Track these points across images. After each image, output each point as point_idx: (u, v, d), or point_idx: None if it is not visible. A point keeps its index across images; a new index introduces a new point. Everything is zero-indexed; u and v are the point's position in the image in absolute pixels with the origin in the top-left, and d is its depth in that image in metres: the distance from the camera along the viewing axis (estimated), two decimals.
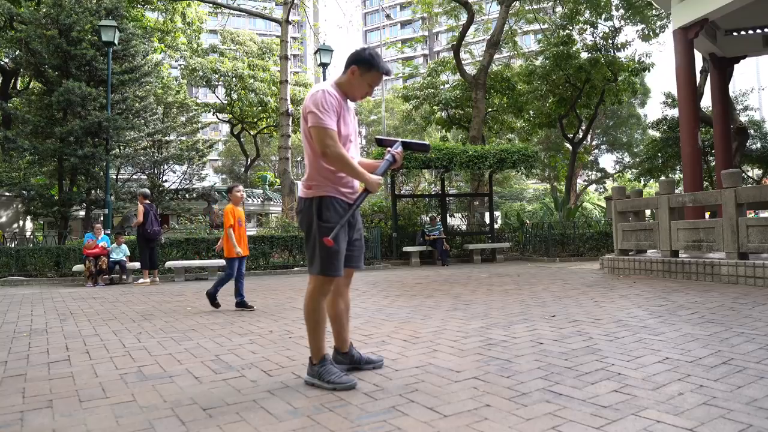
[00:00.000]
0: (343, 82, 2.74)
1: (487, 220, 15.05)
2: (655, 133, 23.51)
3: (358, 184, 2.80)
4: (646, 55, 18.84)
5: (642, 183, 25.58)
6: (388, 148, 2.87)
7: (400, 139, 2.93)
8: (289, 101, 17.97)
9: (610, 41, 18.82)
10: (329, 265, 2.65)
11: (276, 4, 23.42)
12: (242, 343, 3.85)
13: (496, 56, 20.80)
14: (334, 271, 2.67)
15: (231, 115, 27.48)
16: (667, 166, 20.81)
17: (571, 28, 19.57)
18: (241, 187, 5.99)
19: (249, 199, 22.52)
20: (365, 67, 2.70)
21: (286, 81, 17.87)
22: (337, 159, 2.58)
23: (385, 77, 2.79)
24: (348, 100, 2.78)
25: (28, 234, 16.73)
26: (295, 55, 38.46)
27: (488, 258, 13.44)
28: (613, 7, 19.45)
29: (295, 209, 2.86)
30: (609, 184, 36.41)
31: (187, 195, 18.32)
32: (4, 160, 14.69)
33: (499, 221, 20.39)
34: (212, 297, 5.77)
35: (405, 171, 14.43)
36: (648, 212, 10.26)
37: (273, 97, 24.65)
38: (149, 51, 17.07)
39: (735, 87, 20.82)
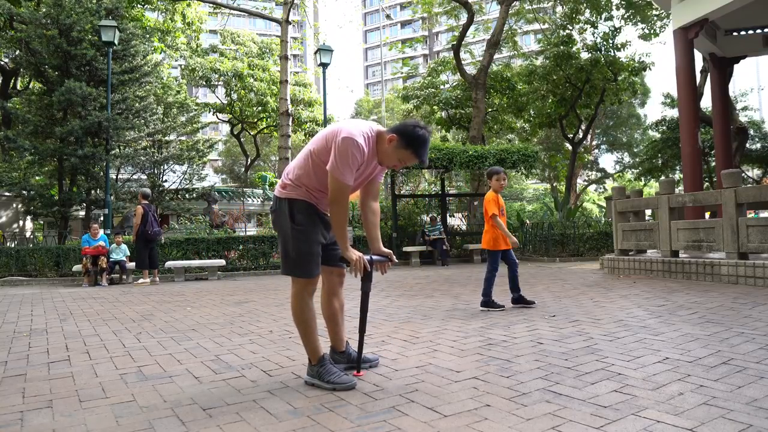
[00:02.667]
0: (382, 140, 2.59)
1: None
2: (655, 134, 23.53)
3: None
4: (646, 55, 18.86)
5: (642, 183, 25.58)
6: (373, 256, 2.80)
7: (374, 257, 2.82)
8: (289, 101, 17.97)
9: (610, 41, 18.82)
10: (302, 267, 2.62)
11: (276, 4, 23.40)
12: (242, 343, 3.85)
13: (496, 56, 20.80)
14: (307, 273, 2.62)
15: (231, 115, 27.46)
16: (667, 166, 20.83)
17: (571, 28, 19.57)
18: (503, 173, 5.16)
19: (249, 199, 22.52)
20: (404, 142, 2.53)
21: (286, 81, 17.86)
22: (338, 215, 2.51)
23: (416, 162, 2.60)
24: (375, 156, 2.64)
25: (28, 234, 16.73)
26: (295, 55, 38.46)
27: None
28: (613, 7, 19.46)
29: (270, 208, 2.82)
30: (609, 184, 36.40)
31: (187, 195, 18.31)
32: (4, 160, 14.69)
33: None
34: (489, 303, 5.10)
35: (405, 171, 14.43)
36: (648, 212, 10.26)
37: (273, 97, 24.64)
38: (149, 51, 17.06)
39: (735, 87, 20.82)
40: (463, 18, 20.31)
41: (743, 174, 18.40)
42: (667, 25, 19.16)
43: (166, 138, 18.89)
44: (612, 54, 18.73)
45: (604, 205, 25.20)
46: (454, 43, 19.15)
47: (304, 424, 2.18)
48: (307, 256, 2.61)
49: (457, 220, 17.50)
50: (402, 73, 30.75)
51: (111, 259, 9.88)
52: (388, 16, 68.13)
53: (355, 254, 2.59)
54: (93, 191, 14.22)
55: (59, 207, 13.45)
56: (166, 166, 18.18)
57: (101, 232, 10.19)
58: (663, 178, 14.49)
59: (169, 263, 10.39)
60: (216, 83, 25.61)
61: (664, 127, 20.81)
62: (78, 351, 3.77)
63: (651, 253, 8.68)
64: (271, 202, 2.82)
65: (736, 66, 13.70)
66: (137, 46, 15.05)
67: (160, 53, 21.46)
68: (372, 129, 2.59)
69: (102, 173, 13.34)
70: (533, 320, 4.39)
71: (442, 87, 23.37)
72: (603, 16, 19.39)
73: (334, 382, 2.61)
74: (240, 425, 2.19)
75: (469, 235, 14.46)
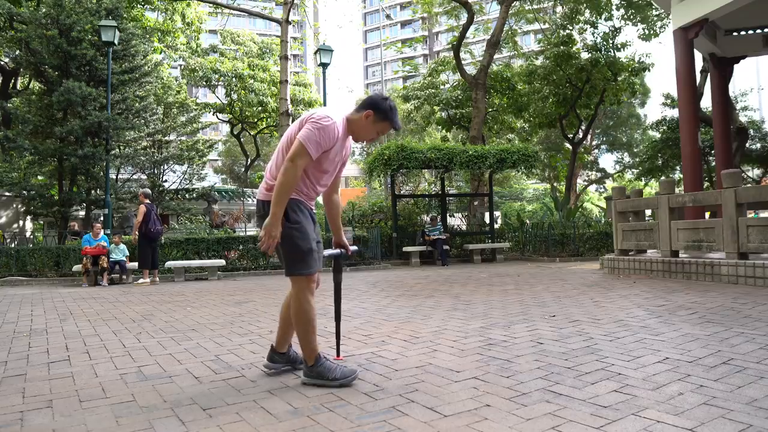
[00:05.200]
0: (354, 120, 2.73)
1: (487, 220, 15.05)
2: (655, 134, 23.54)
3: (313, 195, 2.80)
4: (646, 55, 18.87)
5: (642, 183, 25.58)
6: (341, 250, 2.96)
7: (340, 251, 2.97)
8: (289, 101, 17.95)
9: (610, 41, 18.83)
10: (303, 264, 2.64)
11: (276, 4, 23.40)
12: (242, 343, 3.85)
13: (496, 56, 20.81)
14: (309, 268, 2.65)
15: (231, 115, 27.46)
16: (667, 166, 20.83)
17: (571, 28, 19.57)
18: None
19: (249, 199, 22.53)
20: (381, 116, 2.70)
21: (286, 81, 17.85)
22: (288, 178, 2.50)
23: (391, 130, 2.79)
24: (349, 137, 2.79)
25: (28, 234, 16.73)
26: (295, 55, 38.45)
27: (488, 258, 13.44)
28: (613, 7, 19.46)
29: (256, 213, 2.86)
30: (609, 184, 36.41)
31: (187, 195, 18.31)
32: (4, 160, 14.68)
33: (499, 221, 20.38)
34: None
35: (405, 171, 14.43)
36: (648, 212, 10.26)
37: (273, 98, 24.64)
38: (149, 51, 17.06)
39: (735, 87, 20.82)
40: (463, 18, 20.32)
41: (743, 174, 18.40)
42: (667, 25, 19.16)
43: (166, 138, 18.90)
44: (612, 54, 18.73)
45: (604, 206, 25.22)
46: (454, 43, 19.16)
47: (304, 424, 2.18)
48: (308, 252, 2.64)
49: (457, 220, 17.50)
50: (404, 71, 30.77)
51: (111, 259, 9.88)
52: (388, 16, 68.14)
53: (274, 230, 2.53)
54: (93, 191, 14.23)
55: (59, 207, 13.45)
56: (166, 166, 18.20)
57: (102, 232, 10.20)
58: (663, 178, 14.50)
59: (169, 263, 10.39)
60: (216, 83, 25.61)
61: (664, 127, 20.81)
62: (78, 351, 3.77)
63: (651, 253, 8.68)
64: (255, 207, 2.83)
65: (736, 66, 13.70)
66: (137, 46, 15.05)
67: (160, 53, 21.47)
68: (342, 114, 2.73)
69: (102, 173, 13.34)
70: (533, 320, 4.39)
71: (442, 87, 23.38)
72: (603, 16, 19.39)
73: (338, 378, 2.65)
74: (240, 425, 2.19)
75: (469, 235, 14.46)
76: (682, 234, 7.67)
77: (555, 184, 32.94)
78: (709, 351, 3.16)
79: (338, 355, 3.14)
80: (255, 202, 2.91)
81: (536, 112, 20.92)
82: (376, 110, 2.69)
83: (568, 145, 24.85)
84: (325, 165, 2.68)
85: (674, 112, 20.36)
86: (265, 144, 35.47)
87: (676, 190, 8.17)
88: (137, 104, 15.35)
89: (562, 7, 20.57)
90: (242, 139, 30.46)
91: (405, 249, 12.70)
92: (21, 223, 17.90)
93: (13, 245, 12.81)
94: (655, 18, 19.27)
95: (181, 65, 26.58)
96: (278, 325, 2.96)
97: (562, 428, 2.04)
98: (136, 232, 9.62)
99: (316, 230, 2.78)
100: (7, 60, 17.30)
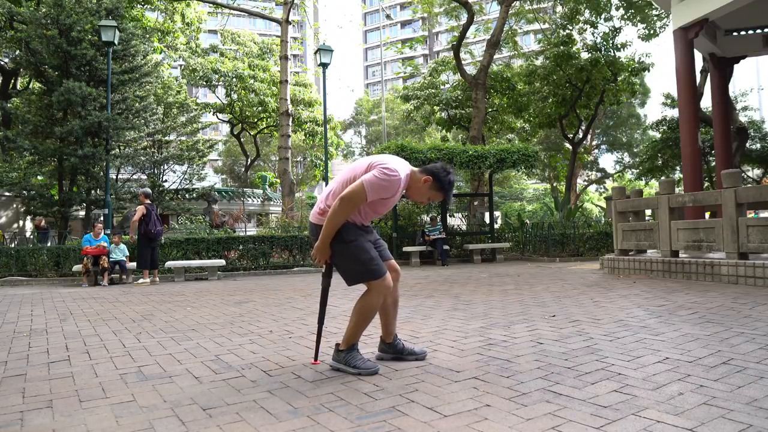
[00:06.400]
0: (415, 180, 2.88)
1: (487, 220, 15.05)
2: (655, 134, 23.54)
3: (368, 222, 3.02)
4: (646, 55, 18.87)
5: (642, 183, 25.57)
6: None
7: None
8: (289, 101, 17.97)
9: (610, 41, 18.83)
10: (372, 272, 2.83)
11: (276, 4, 23.42)
12: (242, 343, 3.84)
13: (496, 56, 20.81)
14: (378, 273, 2.84)
15: (231, 115, 27.47)
16: (667, 166, 20.83)
17: (571, 28, 19.58)
18: None
19: (249, 199, 22.53)
20: (437, 186, 2.87)
21: (287, 81, 17.87)
22: (340, 213, 2.74)
23: (441, 197, 2.95)
24: (404, 191, 2.95)
25: (28, 234, 16.73)
26: (295, 55, 38.44)
27: (488, 258, 13.43)
28: (613, 7, 19.47)
29: (309, 233, 3.10)
30: (609, 184, 36.42)
31: (187, 195, 18.31)
32: (4, 160, 14.69)
33: (499, 221, 20.40)
34: None
35: None
36: (648, 212, 10.26)
37: (273, 97, 24.66)
38: (149, 51, 17.06)
39: (735, 87, 20.84)
40: (463, 18, 20.32)
41: (743, 174, 18.41)
42: (667, 25, 19.16)
43: (166, 138, 18.91)
44: (612, 54, 18.74)
45: (604, 206, 25.23)
46: (455, 43, 19.16)
47: (304, 424, 2.18)
48: (370, 261, 2.84)
49: (457, 220, 17.49)
50: (405, 72, 30.79)
51: (111, 259, 9.88)
52: (388, 16, 68.08)
53: (323, 253, 2.86)
54: (93, 191, 14.23)
55: (59, 207, 13.45)
56: (166, 166, 18.20)
57: (103, 232, 10.20)
58: (663, 178, 14.50)
59: (169, 263, 10.38)
60: (216, 83, 25.63)
61: (664, 127, 20.81)
62: (78, 351, 3.77)
63: (651, 253, 8.68)
64: (309, 230, 3.07)
65: (736, 66, 13.70)
66: (137, 46, 15.05)
67: (160, 53, 21.47)
68: (408, 168, 2.91)
69: (102, 173, 13.35)
70: (533, 320, 4.39)
71: (442, 87, 23.37)
72: (603, 16, 19.39)
73: (360, 368, 2.85)
74: (240, 425, 2.19)
75: (469, 235, 14.46)
76: (682, 234, 7.67)
77: (555, 184, 32.96)
78: (709, 351, 3.16)
79: (316, 359, 3.16)
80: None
81: (536, 112, 20.93)
82: (435, 179, 2.85)
83: (568, 145, 24.86)
84: (379, 208, 2.90)
85: (674, 112, 20.37)
86: (265, 144, 35.47)
87: (676, 190, 8.17)
88: (137, 104, 15.35)
89: (562, 7, 20.56)
90: (242, 139, 30.48)
91: (405, 249, 12.70)
92: (21, 223, 17.90)
93: (13, 245, 12.80)
94: (655, 18, 19.27)
95: (181, 65, 26.58)
96: (380, 321, 3.14)
97: (562, 428, 2.04)
98: (134, 235, 9.60)
99: (373, 236, 3.02)
100: (7, 60, 17.30)
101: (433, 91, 22.51)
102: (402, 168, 2.81)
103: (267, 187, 26.32)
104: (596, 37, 19.24)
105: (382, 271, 2.86)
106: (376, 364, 2.95)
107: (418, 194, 2.92)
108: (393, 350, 3.16)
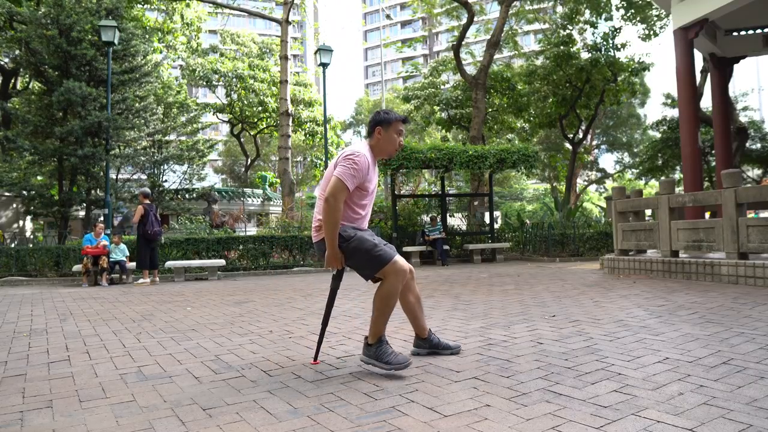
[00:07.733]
0: (375, 144, 3.06)
1: (487, 220, 15.05)
2: (655, 134, 23.55)
3: (365, 224, 3.10)
4: (646, 55, 18.87)
5: (642, 183, 25.57)
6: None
7: None
8: (289, 101, 17.97)
9: (610, 41, 18.82)
10: (380, 258, 2.88)
11: (276, 4, 23.43)
12: (242, 343, 3.85)
13: (496, 56, 20.80)
14: (388, 257, 2.88)
15: (231, 115, 27.45)
16: (667, 166, 20.84)
17: (571, 28, 19.58)
18: None
19: (249, 199, 22.52)
20: (386, 123, 3.04)
21: (287, 81, 17.87)
22: (331, 211, 2.82)
23: (403, 124, 3.09)
24: (376, 160, 3.09)
25: (28, 234, 16.73)
26: (295, 55, 38.44)
27: (488, 258, 13.44)
28: (613, 7, 19.46)
29: (317, 250, 3.12)
30: (609, 184, 36.41)
31: (187, 195, 18.31)
32: (4, 160, 14.68)
33: (499, 221, 20.40)
34: None
35: (405, 171, 14.43)
36: (648, 212, 10.25)
37: (273, 98, 24.66)
38: (149, 51, 17.06)
39: (735, 87, 20.85)
40: (464, 18, 20.31)
41: (743, 174, 18.39)
42: (667, 25, 19.17)
43: (166, 138, 18.88)
44: (612, 54, 18.74)
45: (604, 206, 25.23)
46: (455, 43, 19.16)
47: (304, 424, 2.18)
48: (374, 248, 2.89)
49: (457, 220, 17.50)
50: (406, 72, 30.80)
51: (111, 260, 9.88)
52: (388, 16, 68.10)
53: (335, 261, 2.91)
54: (93, 191, 14.22)
55: (59, 207, 13.44)
56: (166, 166, 18.18)
57: (104, 232, 10.20)
58: (663, 178, 14.50)
59: (169, 263, 10.38)
60: (216, 83, 25.62)
61: (664, 127, 20.82)
62: (78, 351, 3.77)
63: (651, 253, 8.68)
64: (314, 248, 3.16)
65: (736, 66, 13.70)
66: (137, 46, 15.03)
67: (160, 53, 21.47)
68: (365, 146, 3.06)
69: (102, 173, 13.34)
70: (533, 320, 4.39)
71: (442, 87, 23.37)
72: (603, 16, 19.39)
73: (391, 363, 2.84)
74: (240, 425, 2.19)
75: (469, 235, 14.46)
76: (682, 234, 7.67)
77: (555, 184, 32.96)
78: (709, 351, 3.16)
79: (316, 359, 3.19)
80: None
81: (536, 112, 20.93)
82: (380, 124, 3.03)
83: (568, 145, 24.86)
84: (363, 192, 2.99)
85: (674, 112, 20.38)
86: (265, 144, 35.46)
87: (676, 190, 8.17)
88: (137, 104, 15.34)
89: (562, 7, 20.56)
90: (242, 139, 30.47)
91: (405, 249, 12.71)
92: (21, 223, 17.89)
93: (13, 245, 12.80)
94: (655, 18, 19.27)
95: (181, 65, 26.57)
96: (409, 321, 3.20)
97: (562, 428, 2.04)
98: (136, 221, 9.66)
99: (377, 238, 3.04)
100: (7, 60, 17.29)
101: (433, 91, 22.51)
102: (361, 147, 2.98)
103: (267, 187, 26.31)
104: (596, 37, 19.24)
105: (390, 254, 2.90)
106: (407, 357, 2.94)
107: (388, 145, 3.05)
108: (429, 344, 3.23)
